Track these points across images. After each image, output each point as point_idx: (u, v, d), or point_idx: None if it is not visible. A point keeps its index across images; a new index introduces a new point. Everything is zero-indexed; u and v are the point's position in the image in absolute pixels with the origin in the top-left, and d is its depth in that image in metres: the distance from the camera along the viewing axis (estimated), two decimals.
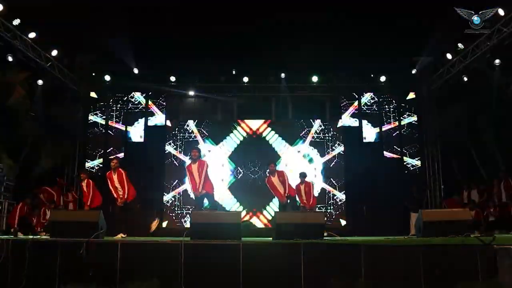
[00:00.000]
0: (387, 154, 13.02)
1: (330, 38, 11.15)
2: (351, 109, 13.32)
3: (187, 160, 11.88)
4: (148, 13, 11.15)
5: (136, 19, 10.91)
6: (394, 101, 13.33)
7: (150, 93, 13.18)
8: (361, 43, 11.40)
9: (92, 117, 13.10)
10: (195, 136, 13.07)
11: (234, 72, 12.69)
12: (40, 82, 11.58)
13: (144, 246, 5.20)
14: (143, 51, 11.97)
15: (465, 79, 11.66)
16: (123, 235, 7.08)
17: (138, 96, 13.26)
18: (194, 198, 7.62)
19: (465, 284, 4.28)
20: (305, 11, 11.32)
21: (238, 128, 13.15)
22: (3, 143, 11.18)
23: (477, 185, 11.24)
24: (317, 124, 13.18)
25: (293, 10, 11.25)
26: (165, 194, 12.79)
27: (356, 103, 13.32)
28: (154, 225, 8.58)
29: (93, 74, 12.77)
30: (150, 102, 13.21)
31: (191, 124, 13.17)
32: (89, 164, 12.86)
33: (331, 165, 12.92)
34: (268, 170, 8.92)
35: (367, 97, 13.35)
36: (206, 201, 7.53)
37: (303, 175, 9.22)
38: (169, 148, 12.99)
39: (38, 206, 10.37)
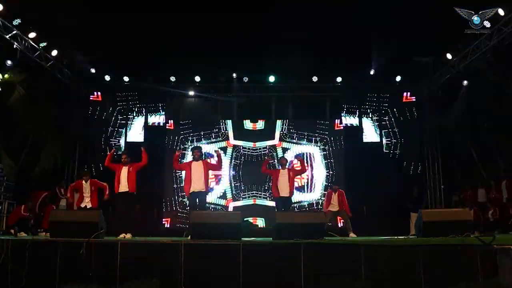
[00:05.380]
0: (386, 153, 13.00)
1: (329, 38, 11.15)
2: (351, 109, 13.30)
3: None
4: (148, 13, 11.14)
5: (136, 19, 10.90)
6: (394, 101, 13.29)
7: (150, 93, 13.15)
8: (360, 42, 11.40)
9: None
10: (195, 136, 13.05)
11: (234, 74, 12.64)
12: (40, 82, 11.55)
13: (144, 246, 5.20)
14: (143, 51, 11.93)
15: (465, 79, 11.66)
16: (125, 235, 7.04)
17: (137, 96, 13.23)
18: (188, 196, 7.51)
19: (465, 284, 4.28)
20: (304, 11, 11.31)
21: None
22: (3, 143, 11.15)
23: (485, 184, 11.23)
24: (317, 124, 13.15)
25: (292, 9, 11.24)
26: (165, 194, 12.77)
27: (356, 103, 13.30)
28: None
29: (93, 74, 12.73)
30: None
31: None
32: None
33: (331, 165, 12.89)
34: (280, 163, 9.00)
35: (367, 97, 13.32)
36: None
37: (337, 184, 9.53)
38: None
39: (42, 206, 10.30)
